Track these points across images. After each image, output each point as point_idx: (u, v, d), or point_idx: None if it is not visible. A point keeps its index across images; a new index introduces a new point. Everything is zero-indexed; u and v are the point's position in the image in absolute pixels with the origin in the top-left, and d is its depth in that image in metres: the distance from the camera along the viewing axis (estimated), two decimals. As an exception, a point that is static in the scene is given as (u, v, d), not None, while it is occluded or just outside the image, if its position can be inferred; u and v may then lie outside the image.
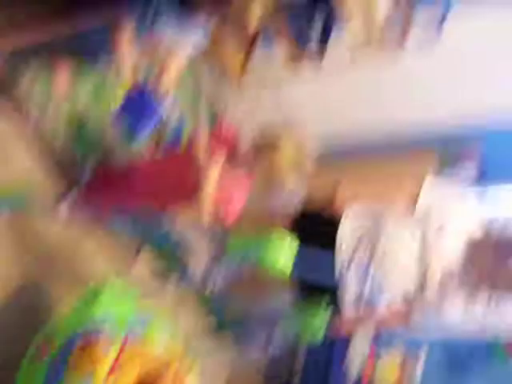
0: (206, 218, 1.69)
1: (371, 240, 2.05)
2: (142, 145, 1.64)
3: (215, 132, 1.76)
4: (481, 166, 3.29)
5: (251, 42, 2.06)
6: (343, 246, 2.00)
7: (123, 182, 1.81)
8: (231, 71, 2.05)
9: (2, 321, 1.73)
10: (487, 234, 1.97)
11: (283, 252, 1.48)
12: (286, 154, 1.66)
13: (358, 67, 2.95)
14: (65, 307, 1.71)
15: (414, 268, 1.99)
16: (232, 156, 1.70)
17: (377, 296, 1.85)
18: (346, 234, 2.06)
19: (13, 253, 1.84)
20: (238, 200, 1.71)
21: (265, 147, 1.66)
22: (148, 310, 1.70)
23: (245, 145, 1.67)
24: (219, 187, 1.63)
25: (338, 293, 1.94)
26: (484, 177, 3.17)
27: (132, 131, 1.51)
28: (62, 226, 2.02)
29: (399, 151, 3.26)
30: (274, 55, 2.87)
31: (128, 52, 1.53)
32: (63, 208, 1.89)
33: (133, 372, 1.49)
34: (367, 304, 1.87)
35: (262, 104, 3.42)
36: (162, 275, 1.92)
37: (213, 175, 1.61)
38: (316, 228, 2.12)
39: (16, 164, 1.84)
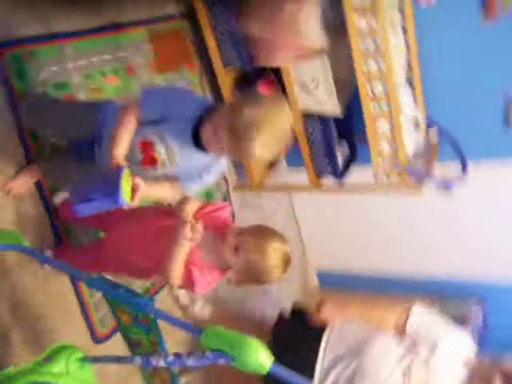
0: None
1: (351, 359, 1.94)
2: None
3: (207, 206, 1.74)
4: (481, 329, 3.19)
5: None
6: (323, 360, 1.95)
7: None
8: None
9: None
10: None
11: (259, 355, 1.36)
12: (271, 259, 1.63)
13: (377, 197, 2.98)
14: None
15: None
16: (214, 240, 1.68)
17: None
18: (328, 347, 1.97)
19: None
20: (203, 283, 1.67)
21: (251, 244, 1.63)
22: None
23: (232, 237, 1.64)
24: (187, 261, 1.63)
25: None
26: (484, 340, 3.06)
27: None
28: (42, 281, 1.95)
29: (397, 292, 3.24)
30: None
31: None
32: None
33: None
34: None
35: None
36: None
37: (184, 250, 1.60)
38: (298, 331, 2.08)
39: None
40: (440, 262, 3.37)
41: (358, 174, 2.98)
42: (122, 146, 1.46)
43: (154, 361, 1.55)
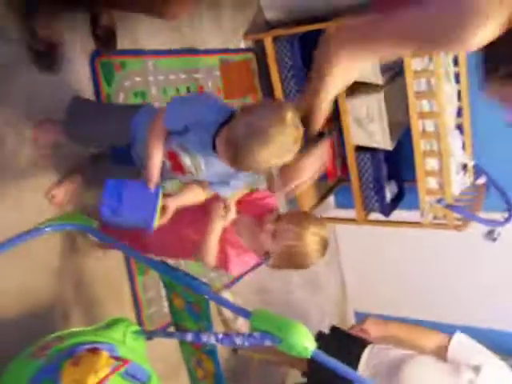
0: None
1: (391, 377, 1.97)
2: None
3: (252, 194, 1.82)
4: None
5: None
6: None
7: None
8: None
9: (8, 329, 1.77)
10: None
11: (304, 339, 1.45)
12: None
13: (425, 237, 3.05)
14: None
15: None
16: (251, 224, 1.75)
17: None
18: (368, 363, 2.02)
19: (54, 269, 1.93)
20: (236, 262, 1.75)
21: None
22: (151, 370, 1.66)
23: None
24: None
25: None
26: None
27: None
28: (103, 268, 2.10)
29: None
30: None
31: None
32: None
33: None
34: None
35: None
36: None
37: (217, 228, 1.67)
38: (338, 346, 2.13)
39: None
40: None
41: (404, 216, 3.08)
42: (155, 166, 1.49)
43: (204, 337, 1.65)
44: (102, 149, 1.85)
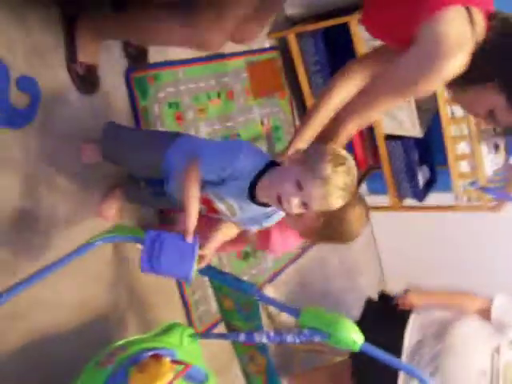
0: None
1: (438, 340, 2.05)
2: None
3: None
4: None
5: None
6: (410, 341, 2.10)
7: None
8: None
9: (69, 338, 1.88)
10: None
11: (352, 334, 1.52)
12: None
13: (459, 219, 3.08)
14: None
15: (486, 369, 1.93)
16: None
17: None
18: (415, 328, 2.11)
19: (108, 280, 2.03)
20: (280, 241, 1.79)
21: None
22: (207, 370, 1.75)
23: None
24: None
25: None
26: None
27: None
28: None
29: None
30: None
31: None
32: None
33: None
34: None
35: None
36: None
37: None
38: (386, 312, 2.27)
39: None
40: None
41: (437, 199, 3.11)
42: (192, 218, 1.46)
43: (257, 337, 1.74)
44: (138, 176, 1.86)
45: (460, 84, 1.35)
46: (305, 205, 1.38)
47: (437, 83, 1.31)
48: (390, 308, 2.36)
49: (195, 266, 1.46)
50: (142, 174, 1.77)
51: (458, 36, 1.22)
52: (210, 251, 1.57)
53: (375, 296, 2.56)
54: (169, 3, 1.66)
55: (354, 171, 1.38)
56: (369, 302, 2.49)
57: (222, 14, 1.53)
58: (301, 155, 1.41)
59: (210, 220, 1.69)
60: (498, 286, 3.40)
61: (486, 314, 2.15)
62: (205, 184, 1.50)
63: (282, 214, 1.59)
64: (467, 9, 1.25)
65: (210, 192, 1.52)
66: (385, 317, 2.29)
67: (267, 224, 1.64)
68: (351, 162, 1.38)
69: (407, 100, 2.64)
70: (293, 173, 1.37)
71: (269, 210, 1.54)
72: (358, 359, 2.24)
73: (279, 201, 1.39)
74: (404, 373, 2.05)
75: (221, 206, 1.56)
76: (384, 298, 2.48)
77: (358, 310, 3.29)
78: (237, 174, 1.44)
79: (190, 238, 1.45)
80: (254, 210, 1.52)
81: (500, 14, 1.32)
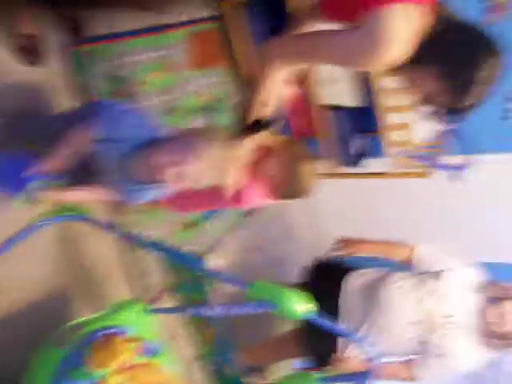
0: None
1: (371, 295, 2.33)
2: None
3: None
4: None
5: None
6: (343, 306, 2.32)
7: None
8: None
9: (21, 318, 1.88)
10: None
11: (299, 304, 1.61)
12: None
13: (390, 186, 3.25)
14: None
15: (413, 320, 2.13)
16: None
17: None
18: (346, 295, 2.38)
19: (55, 259, 2.03)
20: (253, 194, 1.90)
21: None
22: (161, 340, 1.81)
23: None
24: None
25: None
26: None
27: None
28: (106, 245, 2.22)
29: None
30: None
31: None
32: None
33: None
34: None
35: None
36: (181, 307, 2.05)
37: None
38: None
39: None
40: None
41: (372, 165, 3.25)
42: None
43: (203, 310, 1.81)
44: None
45: (403, 68, 1.45)
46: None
47: (374, 68, 1.46)
48: (324, 273, 2.53)
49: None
50: None
51: (401, 32, 1.33)
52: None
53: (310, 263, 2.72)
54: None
55: None
56: (305, 270, 2.64)
57: None
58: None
59: None
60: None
61: (409, 259, 2.41)
62: None
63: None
64: (414, 6, 1.35)
65: None
66: (320, 284, 2.44)
67: None
68: None
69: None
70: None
71: None
72: (304, 329, 2.40)
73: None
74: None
75: None
76: (318, 263, 2.64)
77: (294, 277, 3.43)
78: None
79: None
80: None
81: (442, 10, 1.42)
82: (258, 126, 1.74)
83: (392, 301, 2.27)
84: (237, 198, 1.89)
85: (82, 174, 1.72)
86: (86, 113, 1.67)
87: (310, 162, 1.90)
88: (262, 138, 1.80)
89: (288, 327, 2.74)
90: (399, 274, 2.39)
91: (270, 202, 2.00)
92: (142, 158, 1.59)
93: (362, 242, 2.59)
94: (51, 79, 2.03)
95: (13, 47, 1.86)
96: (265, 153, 1.88)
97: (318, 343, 2.32)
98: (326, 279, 2.52)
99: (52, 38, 2.03)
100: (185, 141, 1.57)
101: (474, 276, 2.29)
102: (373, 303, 2.31)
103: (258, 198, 1.95)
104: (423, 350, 2.20)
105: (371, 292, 2.35)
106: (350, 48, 1.42)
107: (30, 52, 1.91)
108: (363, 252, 2.57)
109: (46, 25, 1.99)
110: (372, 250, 2.57)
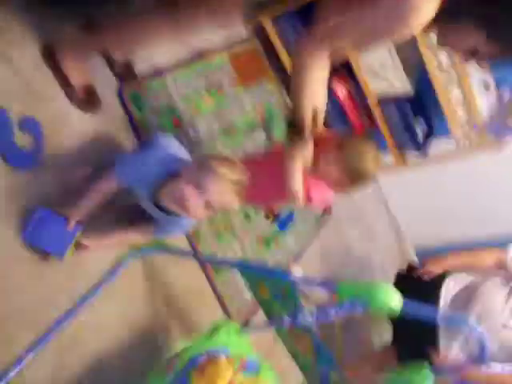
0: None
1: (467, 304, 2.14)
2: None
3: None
4: None
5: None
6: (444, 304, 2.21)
7: None
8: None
9: (120, 357, 1.93)
10: None
11: (392, 295, 1.57)
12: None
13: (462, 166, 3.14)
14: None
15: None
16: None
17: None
18: (447, 296, 2.18)
19: (140, 291, 2.08)
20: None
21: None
22: (259, 357, 1.81)
23: None
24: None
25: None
26: None
27: None
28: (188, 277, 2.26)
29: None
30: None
31: None
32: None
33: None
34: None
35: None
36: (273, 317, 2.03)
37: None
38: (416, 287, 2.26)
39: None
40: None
41: (439, 146, 3.16)
42: None
43: (301, 317, 1.79)
44: None
45: (441, 26, 1.41)
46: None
47: (414, 27, 1.36)
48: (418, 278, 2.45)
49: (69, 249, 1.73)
50: None
51: None
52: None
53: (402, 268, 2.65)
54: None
55: None
56: (398, 275, 2.57)
57: None
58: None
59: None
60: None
61: (503, 265, 2.28)
62: None
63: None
64: None
65: None
66: (416, 286, 2.36)
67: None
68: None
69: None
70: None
71: None
72: (400, 342, 2.33)
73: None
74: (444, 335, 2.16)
75: None
76: (411, 269, 2.57)
77: (382, 275, 3.37)
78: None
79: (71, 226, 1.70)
80: None
81: None
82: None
83: (493, 301, 2.17)
84: (307, 197, 1.89)
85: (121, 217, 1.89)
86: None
87: (370, 148, 1.88)
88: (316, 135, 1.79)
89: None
90: (497, 280, 2.28)
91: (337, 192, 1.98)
92: (166, 189, 1.69)
93: (446, 259, 2.49)
94: (109, 122, 2.11)
95: (70, 99, 1.93)
96: (322, 149, 1.86)
97: (416, 345, 2.23)
98: (418, 284, 2.44)
99: (103, 83, 2.11)
100: (199, 167, 1.67)
101: None
102: (472, 308, 2.21)
103: (325, 192, 1.94)
104: None
105: (472, 296, 2.26)
106: (382, 17, 1.37)
107: (88, 101, 1.98)
108: (451, 268, 2.47)
109: (96, 70, 2.07)
110: (460, 263, 2.47)
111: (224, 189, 1.64)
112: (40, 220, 1.69)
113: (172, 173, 1.69)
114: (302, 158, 1.78)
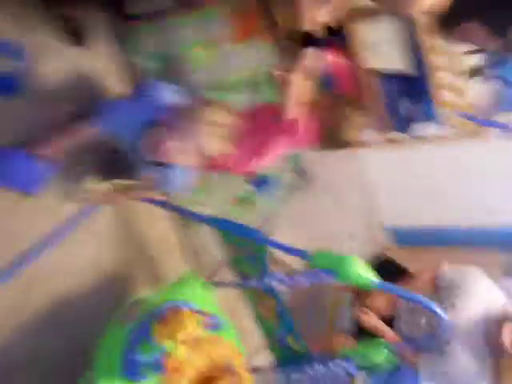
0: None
1: None
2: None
3: None
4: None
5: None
6: None
7: None
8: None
9: (86, 298, 1.93)
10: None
11: (360, 269, 1.59)
12: None
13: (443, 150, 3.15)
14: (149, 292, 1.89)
15: None
16: None
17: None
18: None
19: (113, 240, 2.06)
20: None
21: None
22: (222, 315, 1.82)
23: None
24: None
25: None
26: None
27: None
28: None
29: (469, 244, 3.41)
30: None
31: None
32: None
33: (202, 356, 1.59)
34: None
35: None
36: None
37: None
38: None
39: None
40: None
41: (423, 129, 3.15)
42: None
43: (267, 279, 1.80)
44: None
45: (446, 28, 1.49)
46: None
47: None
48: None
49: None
50: None
51: None
52: None
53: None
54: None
55: None
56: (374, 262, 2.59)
57: None
58: None
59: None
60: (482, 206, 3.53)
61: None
62: None
63: None
64: None
65: None
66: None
67: None
68: None
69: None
70: None
71: None
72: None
73: None
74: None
75: None
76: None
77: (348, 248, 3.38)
78: None
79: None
80: None
81: None
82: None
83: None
84: (293, 128, 1.86)
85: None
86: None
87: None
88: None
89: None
90: None
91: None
92: (147, 138, 1.68)
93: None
94: (100, 61, 2.05)
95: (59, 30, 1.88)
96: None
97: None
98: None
99: (95, 20, 2.03)
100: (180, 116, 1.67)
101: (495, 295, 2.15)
102: None
103: (307, 136, 1.92)
104: None
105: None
106: None
107: (76, 33, 1.92)
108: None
109: (88, 6, 1.99)
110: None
111: (212, 134, 1.61)
112: (4, 157, 1.65)
113: (159, 121, 1.65)
114: (297, 85, 1.78)
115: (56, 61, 1.86)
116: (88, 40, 1.99)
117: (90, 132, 1.71)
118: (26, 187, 1.71)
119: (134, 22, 2.18)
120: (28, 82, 1.75)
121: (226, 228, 1.88)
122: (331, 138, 1.89)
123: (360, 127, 1.85)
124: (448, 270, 2.28)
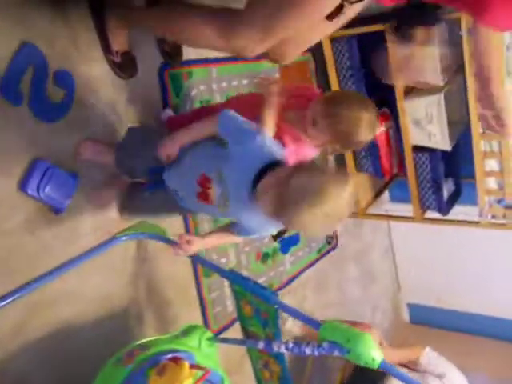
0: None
1: None
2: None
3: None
4: None
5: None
6: None
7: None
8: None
9: (89, 333, 1.89)
10: None
11: (372, 350, 1.51)
12: None
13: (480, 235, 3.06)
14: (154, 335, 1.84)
15: None
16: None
17: None
18: None
19: (129, 275, 2.04)
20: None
21: None
22: (223, 373, 1.75)
23: None
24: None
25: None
26: None
27: None
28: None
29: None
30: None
31: None
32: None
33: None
34: None
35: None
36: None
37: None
38: None
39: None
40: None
41: (462, 212, 3.07)
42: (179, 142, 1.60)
43: (275, 346, 1.73)
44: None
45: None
46: None
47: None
48: None
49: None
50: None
51: None
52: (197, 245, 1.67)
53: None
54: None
55: None
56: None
57: (267, 32, 1.52)
58: None
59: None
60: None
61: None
62: (215, 158, 1.51)
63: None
64: None
65: (214, 168, 1.49)
66: None
67: (265, 232, 1.74)
68: None
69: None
70: None
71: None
72: None
73: None
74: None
75: (216, 190, 1.51)
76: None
77: (369, 319, 3.31)
78: (241, 158, 1.44)
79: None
80: (249, 211, 1.49)
81: None
82: None
83: None
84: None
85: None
86: None
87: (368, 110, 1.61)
88: None
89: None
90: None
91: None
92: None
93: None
94: (144, 101, 2.08)
95: (109, 63, 1.92)
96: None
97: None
98: None
99: (150, 59, 2.08)
100: None
101: None
102: None
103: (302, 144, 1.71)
104: None
105: None
106: None
107: (124, 66, 1.96)
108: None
109: (143, 45, 2.05)
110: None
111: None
112: (45, 173, 1.68)
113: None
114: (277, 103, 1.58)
115: (100, 93, 1.90)
116: (135, 72, 2.02)
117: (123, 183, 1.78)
118: (57, 205, 1.74)
119: (187, 66, 2.22)
120: (69, 111, 1.79)
121: (242, 284, 1.83)
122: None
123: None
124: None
